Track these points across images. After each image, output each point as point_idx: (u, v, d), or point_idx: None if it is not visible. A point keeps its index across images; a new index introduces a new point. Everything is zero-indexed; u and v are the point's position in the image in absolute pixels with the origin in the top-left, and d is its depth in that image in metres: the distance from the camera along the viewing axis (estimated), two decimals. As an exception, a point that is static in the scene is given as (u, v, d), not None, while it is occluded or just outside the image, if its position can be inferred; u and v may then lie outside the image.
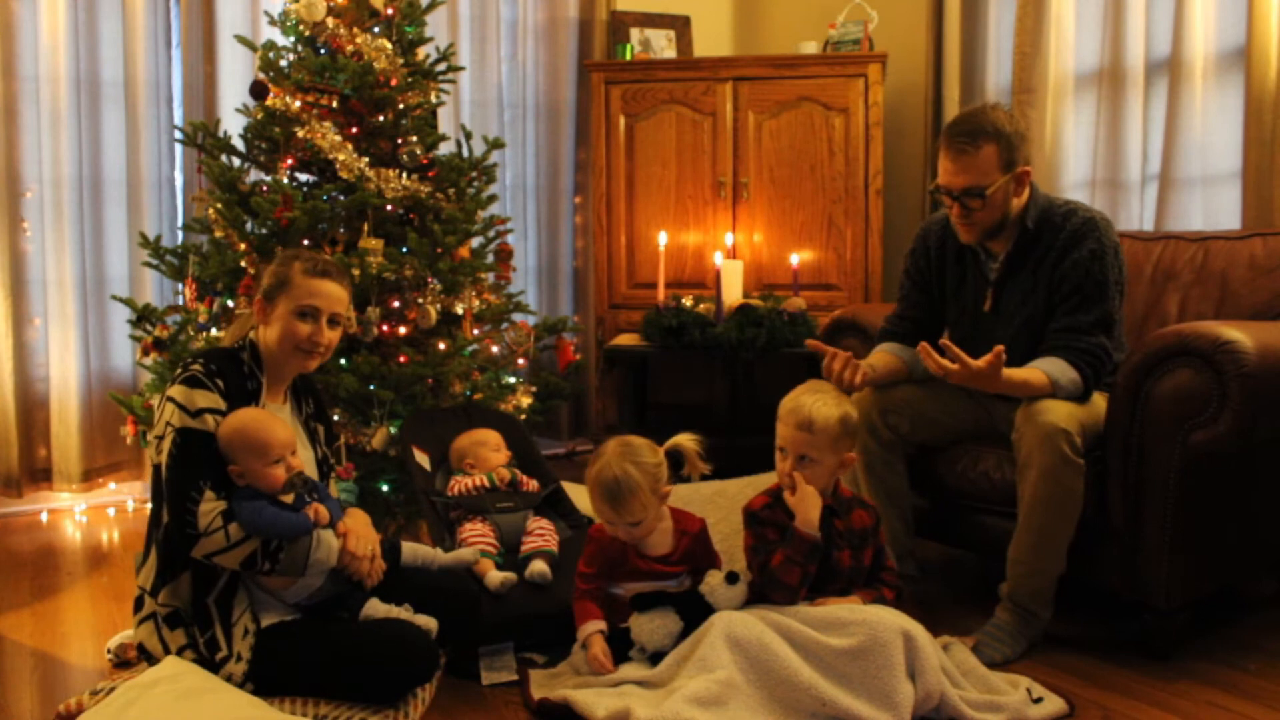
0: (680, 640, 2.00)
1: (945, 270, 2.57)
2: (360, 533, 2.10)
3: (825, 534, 2.07)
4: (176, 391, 2.01)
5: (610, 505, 2.07)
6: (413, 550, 2.26)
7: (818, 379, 2.26)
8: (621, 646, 2.06)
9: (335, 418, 2.80)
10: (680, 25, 4.41)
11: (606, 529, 2.14)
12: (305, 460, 2.17)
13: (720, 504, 2.98)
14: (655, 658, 2.00)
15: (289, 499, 2.01)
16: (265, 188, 2.92)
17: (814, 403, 2.07)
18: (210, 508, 1.95)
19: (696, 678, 1.84)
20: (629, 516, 2.07)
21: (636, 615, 2.04)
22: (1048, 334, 2.35)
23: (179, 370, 2.05)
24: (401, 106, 3.06)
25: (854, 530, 2.13)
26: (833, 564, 2.08)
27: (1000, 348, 2.16)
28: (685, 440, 2.16)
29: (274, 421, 2.04)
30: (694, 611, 2.03)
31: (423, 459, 2.66)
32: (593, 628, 2.08)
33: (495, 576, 2.27)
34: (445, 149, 3.23)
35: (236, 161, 3.09)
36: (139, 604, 2.06)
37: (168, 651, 1.98)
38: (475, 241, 3.20)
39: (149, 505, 2.12)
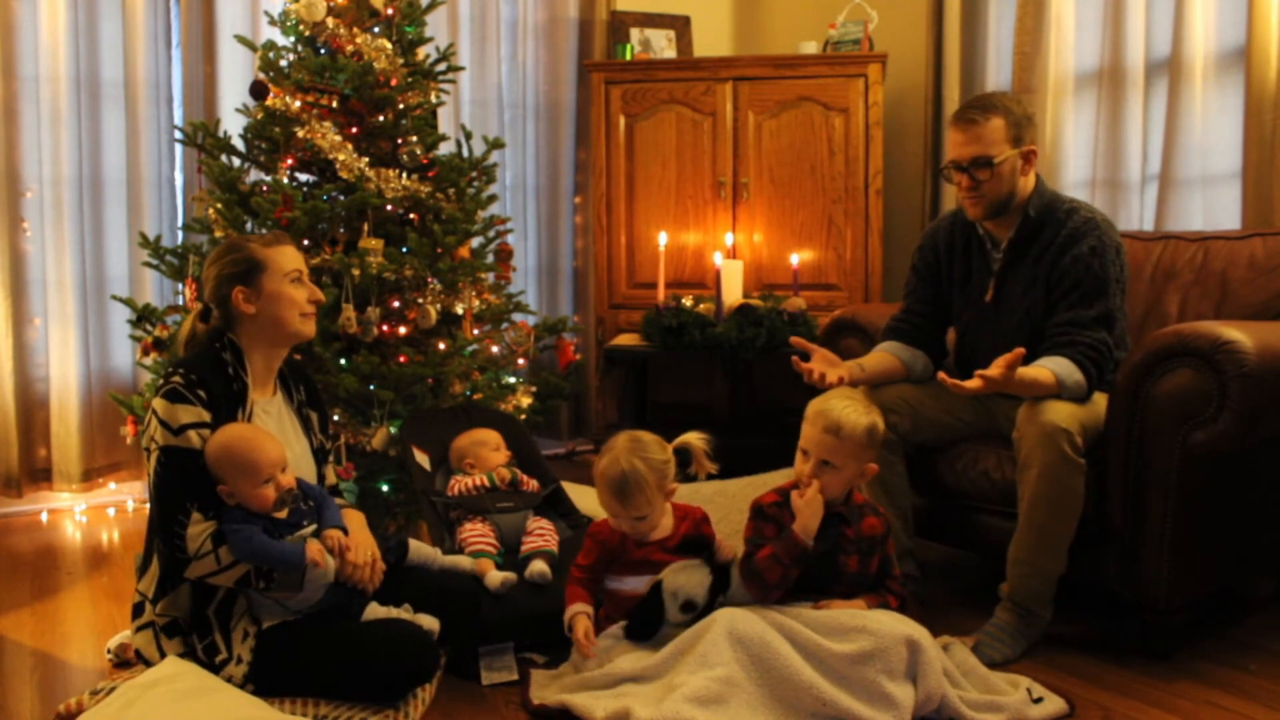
0: (702, 607, 2.02)
1: (953, 264, 2.60)
2: (359, 540, 2.08)
3: (834, 540, 2.06)
4: (159, 405, 1.97)
5: (617, 499, 2.07)
6: (418, 548, 2.27)
7: (847, 386, 2.26)
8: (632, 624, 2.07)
9: (335, 418, 2.80)
10: (680, 25, 4.41)
11: (610, 522, 2.14)
12: (299, 453, 2.15)
13: (720, 504, 2.98)
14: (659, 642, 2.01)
15: (283, 513, 1.99)
16: (265, 188, 2.92)
17: (844, 408, 2.06)
18: (199, 530, 1.93)
19: (697, 674, 1.83)
20: (635, 511, 2.08)
21: (670, 567, 2.07)
22: (1049, 329, 2.35)
23: (160, 381, 2.02)
24: (401, 106, 3.06)
25: (864, 537, 2.12)
26: (838, 568, 2.07)
27: (1022, 351, 2.14)
28: (693, 439, 2.16)
29: (261, 438, 1.99)
30: (723, 577, 2.07)
31: (423, 459, 2.66)
32: (577, 609, 2.09)
33: (495, 576, 2.27)
34: (445, 149, 3.23)
35: (236, 161, 3.09)
36: (138, 610, 2.05)
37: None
38: (475, 241, 3.20)
39: (148, 506, 2.11)
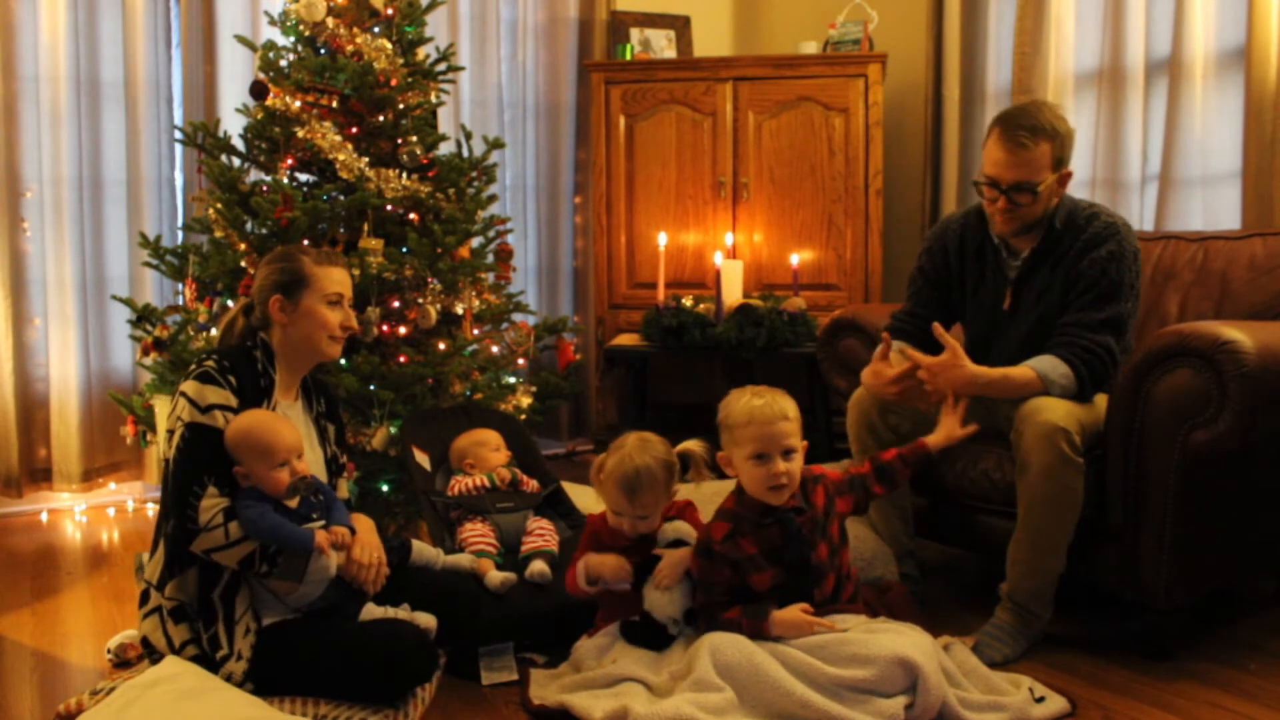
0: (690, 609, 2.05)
1: (964, 268, 2.57)
2: (366, 540, 2.09)
3: (799, 544, 2.03)
4: (189, 386, 2.02)
5: (627, 496, 2.08)
6: (420, 550, 2.27)
7: (756, 384, 2.14)
8: (633, 639, 2.07)
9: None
10: (680, 25, 4.41)
11: (611, 519, 2.14)
12: (313, 461, 2.17)
13: (720, 504, 2.98)
14: (666, 640, 2.03)
15: (294, 503, 2.01)
16: (265, 188, 2.92)
17: (770, 397, 2.03)
18: (212, 504, 1.96)
19: (696, 694, 1.85)
20: (641, 509, 2.09)
21: (647, 589, 2.06)
22: (1056, 328, 2.35)
23: (193, 366, 2.08)
24: (401, 106, 3.06)
25: (819, 516, 2.07)
26: (815, 564, 2.04)
27: (939, 330, 2.20)
28: (695, 446, 2.16)
29: (281, 424, 2.03)
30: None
31: (423, 459, 2.66)
32: (584, 561, 2.10)
33: (495, 576, 2.27)
34: (445, 149, 3.23)
35: (236, 161, 3.09)
36: (144, 598, 2.06)
37: (171, 645, 1.98)
38: (475, 241, 3.20)
39: (155, 505, 2.12)
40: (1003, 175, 2.33)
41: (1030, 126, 2.29)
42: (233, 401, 2.03)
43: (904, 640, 1.89)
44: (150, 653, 2.03)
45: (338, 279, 2.20)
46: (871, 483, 2.20)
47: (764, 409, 2.01)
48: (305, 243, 2.83)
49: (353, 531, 2.08)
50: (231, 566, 1.98)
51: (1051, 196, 2.36)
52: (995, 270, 2.51)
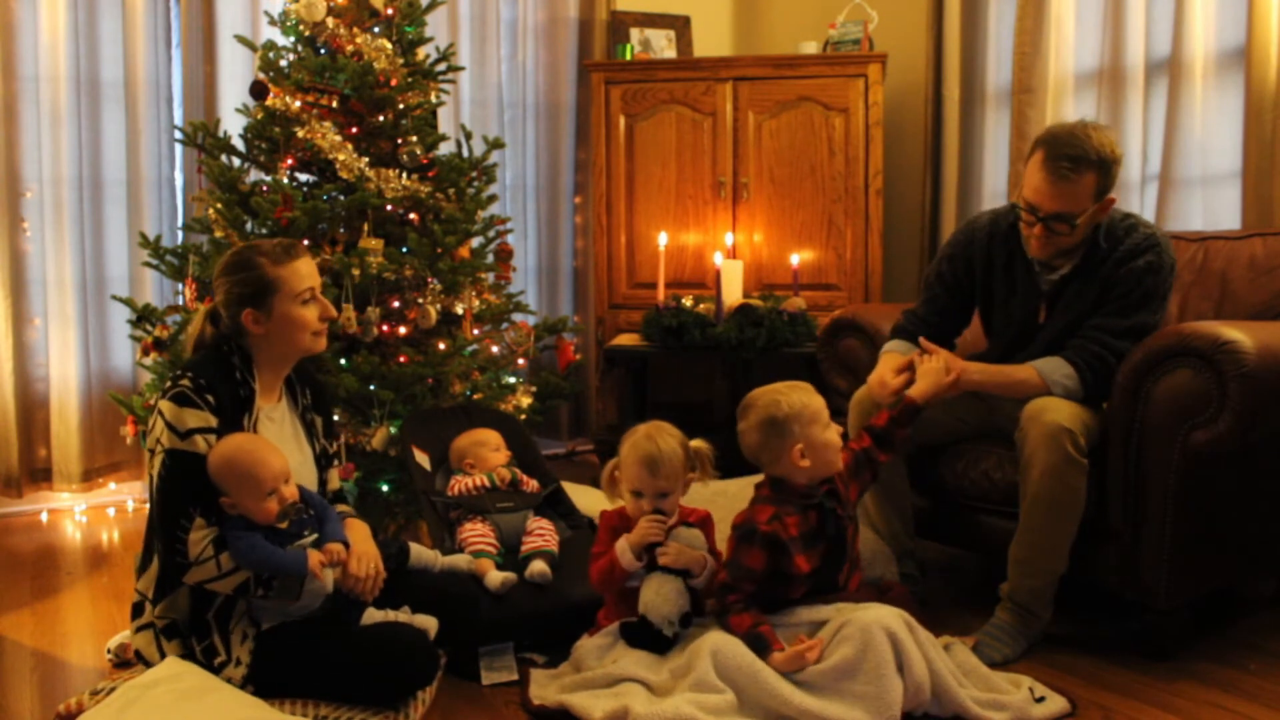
0: (687, 612, 2.06)
1: (992, 280, 2.51)
2: (361, 551, 2.06)
3: (833, 515, 2.09)
4: (165, 407, 1.95)
5: (648, 470, 2.09)
6: (418, 553, 2.26)
7: (752, 388, 2.21)
8: (633, 641, 2.07)
9: (335, 417, 2.80)
10: (680, 25, 4.41)
11: (630, 506, 2.14)
12: (300, 461, 2.14)
13: (720, 504, 2.97)
14: (666, 643, 2.04)
15: (284, 524, 1.98)
16: (265, 188, 2.92)
17: (788, 387, 2.15)
18: (200, 536, 1.91)
19: (696, 693, 1.86)
20: (664, 483, 2.10)
21: (643, 587, 2.08)
22: (1080, 329, 2.32)
23: (168, 384, 2.00)
24: (401, 106, 3.06)
25: (845, 494, 2.15)
26: (848, 546, 2.12)
27: (926, 344, 2.29)
28: (701, 444, 2.19)
29: (264, 450, 1.96)
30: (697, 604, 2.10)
31: (423, 459, 2.67)
32: (621, 542, 2.11)
33: (495, 576, 2.27)
34: (445, 149, 3.23)
35: (236, 161, 3.09)
36: (138, 609, 2.04)
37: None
38: (475, 241, 3.20)
39: (148, 506, 2.10)
40: (1042, 204, 2.25)
41: (1074, 157, 2.19)
42: (212, 422, 1.96)
43: (884, 612, 1.92)
44: (144, 665, 2.01)
45: (304, 273, 2.08)
46: (875, 452, 2.26)
47: (806, 389, 2.14)
48: (328, 252, 2.79)
49: (346, 545, 2.03)
50: (228, 593, 1.96)
51: (1090, 224, 2.29)
52: (1027, 283, 2.45)
